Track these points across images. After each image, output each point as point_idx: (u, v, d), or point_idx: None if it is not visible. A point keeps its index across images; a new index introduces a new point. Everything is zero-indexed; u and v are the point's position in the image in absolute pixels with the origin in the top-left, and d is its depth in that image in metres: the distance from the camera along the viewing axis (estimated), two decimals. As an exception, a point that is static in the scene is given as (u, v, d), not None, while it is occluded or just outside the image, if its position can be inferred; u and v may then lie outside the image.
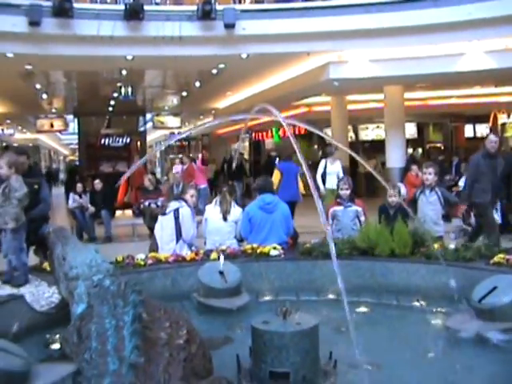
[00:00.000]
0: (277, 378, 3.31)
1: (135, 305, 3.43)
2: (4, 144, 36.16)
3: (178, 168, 17.32)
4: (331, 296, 5.32)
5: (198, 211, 7.42)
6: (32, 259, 5.95)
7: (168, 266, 5.70)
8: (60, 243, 4.79)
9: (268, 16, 12.52)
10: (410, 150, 22.05)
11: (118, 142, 24.87)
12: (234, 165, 21.00)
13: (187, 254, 6.08)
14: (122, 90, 17.34)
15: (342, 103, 18.78)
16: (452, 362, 3.68)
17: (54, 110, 24.00)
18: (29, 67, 13.38)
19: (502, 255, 4.98)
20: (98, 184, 12.82)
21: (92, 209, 12.44)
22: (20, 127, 31.09)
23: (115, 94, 18.29)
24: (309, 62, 13.99)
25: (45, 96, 19.20)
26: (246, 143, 30.65)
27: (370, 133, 23.20)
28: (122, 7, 11.78)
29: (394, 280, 5.35)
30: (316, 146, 25.54)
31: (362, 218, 6.62)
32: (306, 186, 9.78)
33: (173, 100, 22.98)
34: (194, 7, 12.22)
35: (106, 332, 3.21)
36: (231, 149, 33.47)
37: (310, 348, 3.37)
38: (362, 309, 5.02)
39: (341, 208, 6.65)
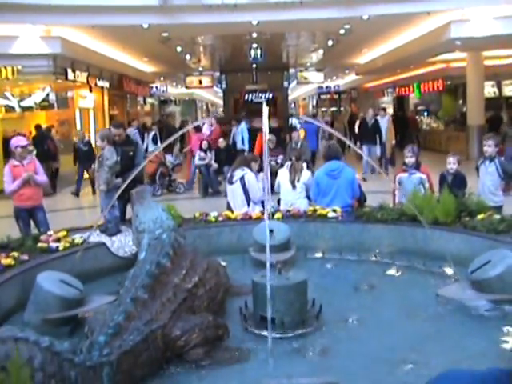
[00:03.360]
0: (264, 321, 4.05)
1: (164, 255, 4.35)
2: (162, 98, 39.10)
3: (207, 129, 16.62)
4: (372, 258, 5.85)
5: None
6: (128, 213, 7.07)
7: (235, 223, 6.55)
8: (137, 202, 5.84)
9: (386, -24, 12.60)
10: None
11: (261, 97, 25.98)
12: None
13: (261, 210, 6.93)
14: (252, 52, 18.22)
15: (478, 59, 18.13)
16: (429, 324, 4.16)
17: (200, 68, 25.60)
18: (165, 34, 14.71)
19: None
20: (221, 142, 13.94)
21: (215, 165, 13.63)
22: (174, 83, 33.31)
23: (251, 54, 19.18)
24: (430, 21, 13.82)
25: (188, 57, 20.70)
26: (390, 98, 30.33)
27: (515, 88, 22.05)
28: (245, -25, 12.53)
29: (432, 246, 5.70)
30: (460, 102, 24.74)
31: (427, 185, 6.94)
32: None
33: (313, 56, 23.50)
34: (312, -29, 12.64)
35: (139, 275, 4.14)
36: (378, 103, 33.32)
37: (294, 300, 4.05)
38: (391, 271, 5.48)
39: (405, 175, 7.02)
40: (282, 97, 27.33)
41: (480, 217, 5.77)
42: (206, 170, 13.81)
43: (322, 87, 33.96)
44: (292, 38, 18.70)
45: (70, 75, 14.86)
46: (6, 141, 16.10)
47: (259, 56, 18.72)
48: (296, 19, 13.45)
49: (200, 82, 27.85)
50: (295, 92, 44.91)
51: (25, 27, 12.93)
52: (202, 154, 14.02)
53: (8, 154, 16.32)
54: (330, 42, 18.08)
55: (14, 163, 7.10)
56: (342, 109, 39.55)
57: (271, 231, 5.92)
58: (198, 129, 16.29)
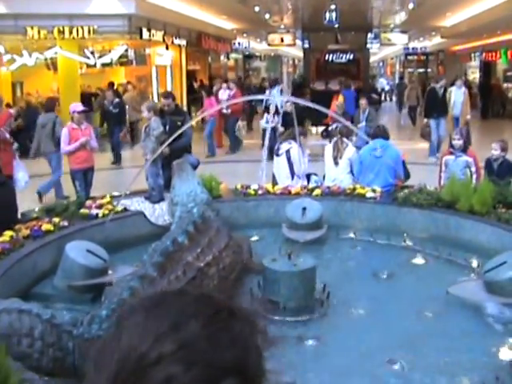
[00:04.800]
0: (272, 304, 4.20)
1: (182, 232, 4.55)
2: (246, 53, 39.12)
3: (224, 94, 15.50)
4: (402, 243, 5.79)
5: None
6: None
7: (273, 197, 6.65)
8: (176, 174, 6.06)
9: None
10: None
11: (342, 58, 25.49)
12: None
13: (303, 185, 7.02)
14: (327, 15, 17.88)
15: None
16: (433, 322, 4.16)
17: (282, 26, 25.37)
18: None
19: None
20: (288, 106, 13.90)
21: (281, 129, 13.64)
22: (258, 39, 33.18)
23: (327, 16, 18.84)
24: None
25: (267, 16, 20.57)
26: (477, 62, 28.96)
27: None
28: None
29: (464, 236, 5.63)
30: None
31: (473, 169, 6.78)
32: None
33: (396, 18, 22.76)
34: None
35: (158, 250, 4.36)
36: (465, 67, 31.96)
37: (299, 286, 4.16)
38: (417, 259, 5.38)
39: (452, 157, 6.87)
40: (364, 58, 26.68)
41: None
42: (273, 133, 13.83)
43: (407, 48, 32.91)
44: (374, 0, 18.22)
45: (145, 34, 15.20)
46: (85, 96, 16.82)
47: (334, 19, 18.36)
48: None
49: (282, 40, 27.67)
50: (383, 51, 43.75)
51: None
52: (269, 116, 14.05)
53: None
54: (411, 5, 17.45)
55: (73, 126, 7.52)
56: (429, 70, 38.21)
57: (304, 209, 6.03)
58: (210, 93, 15.37)
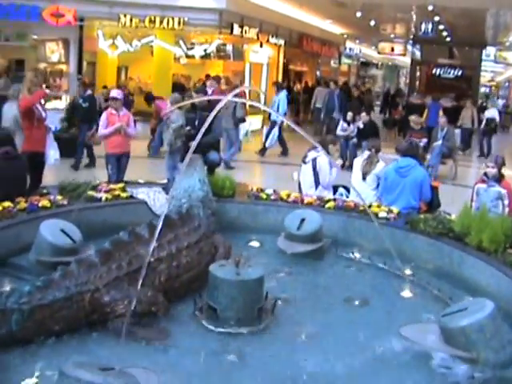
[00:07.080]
0: (211, 310, 4.10)
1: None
2: (361, 60, 38.57)
3: None
4: (398, 271, 5.39)
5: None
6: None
7: (284, 204, 6.48)
8: (184, 168, 6.08)
9: None
10: None
11: (450, 73, 24.41)
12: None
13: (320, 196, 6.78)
14: (423, 26, 17.15)
15: None
16: (369, 357, 3.83)
17: (392, 35, 24.70)
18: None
19: None
20: (364, 117, 13.55)
21: (354, 140, 13.32)
22: (373, 47, 32.61)
23: (422, 27, 18.11)
24: None
25: (373, 23, 20.10)
26: None
27: None
28: None
29: (464, 273, 5.21)
30: None
31: (506, 202, 6.26)
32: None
33: (510, 35, 21.46)
34: None
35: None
36: None
37: (238, 296, 4.01)
38: (404, 291, 5.02)
39: (484, 186, 6.40)
40: (476, 75, 25.38)
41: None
42: (345, 142, 13.56)
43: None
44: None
45: (237, 30, 15.34)
46: (177, 85, 17.29)
47: (430, 31, 17.60)
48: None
49: (392, 50, 27.05)
50: (508, 71, 41.66)
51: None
52: (345, 125, 13.79)
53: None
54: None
55: (112, 111, 7.76)
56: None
57: (302, 220, 5.82)
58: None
